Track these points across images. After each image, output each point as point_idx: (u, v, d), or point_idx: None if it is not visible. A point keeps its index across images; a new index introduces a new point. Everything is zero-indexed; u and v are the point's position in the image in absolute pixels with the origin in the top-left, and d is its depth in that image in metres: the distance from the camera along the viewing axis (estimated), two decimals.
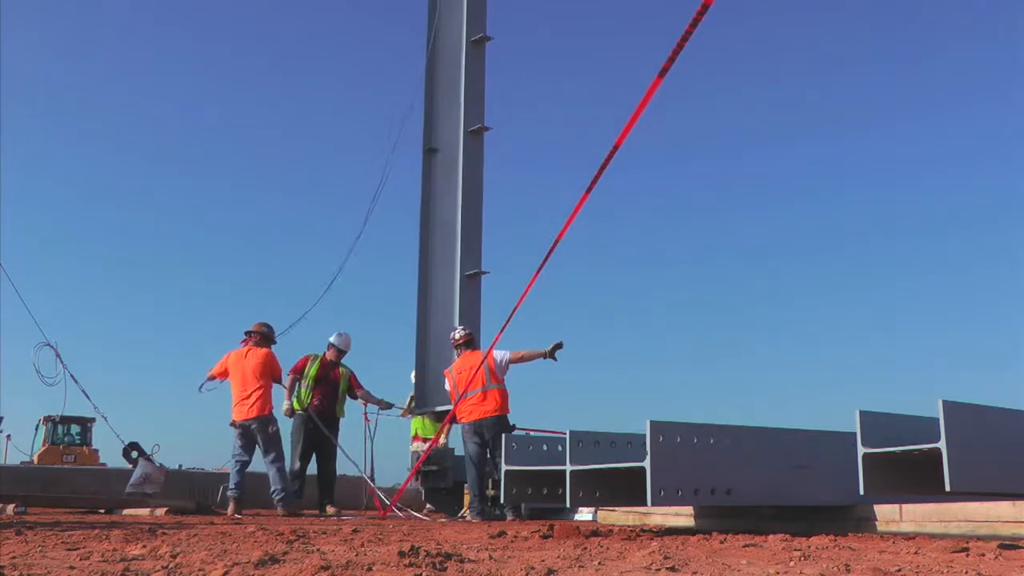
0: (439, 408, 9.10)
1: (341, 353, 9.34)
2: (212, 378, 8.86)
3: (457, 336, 8.41)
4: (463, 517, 8.17)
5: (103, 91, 43.46)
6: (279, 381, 8.80)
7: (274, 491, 8.34)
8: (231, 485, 8.46)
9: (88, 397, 10.40)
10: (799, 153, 40.59)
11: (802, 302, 40.78)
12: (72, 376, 10.28)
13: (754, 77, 41.43)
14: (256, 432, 8.41)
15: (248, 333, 8.81)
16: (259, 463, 8.59)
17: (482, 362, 7.86)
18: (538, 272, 6.48)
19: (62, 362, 10.29)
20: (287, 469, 8.62)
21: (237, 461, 8.49)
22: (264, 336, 8.80)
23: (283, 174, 41.67)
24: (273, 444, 8.45)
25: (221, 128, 44.86)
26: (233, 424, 8.52)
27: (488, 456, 8.03)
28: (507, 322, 6.83)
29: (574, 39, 40.74)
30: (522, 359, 8.18)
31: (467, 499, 8.63)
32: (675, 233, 42.81)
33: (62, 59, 42.93)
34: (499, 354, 8.08)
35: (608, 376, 32.56)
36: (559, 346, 8.12)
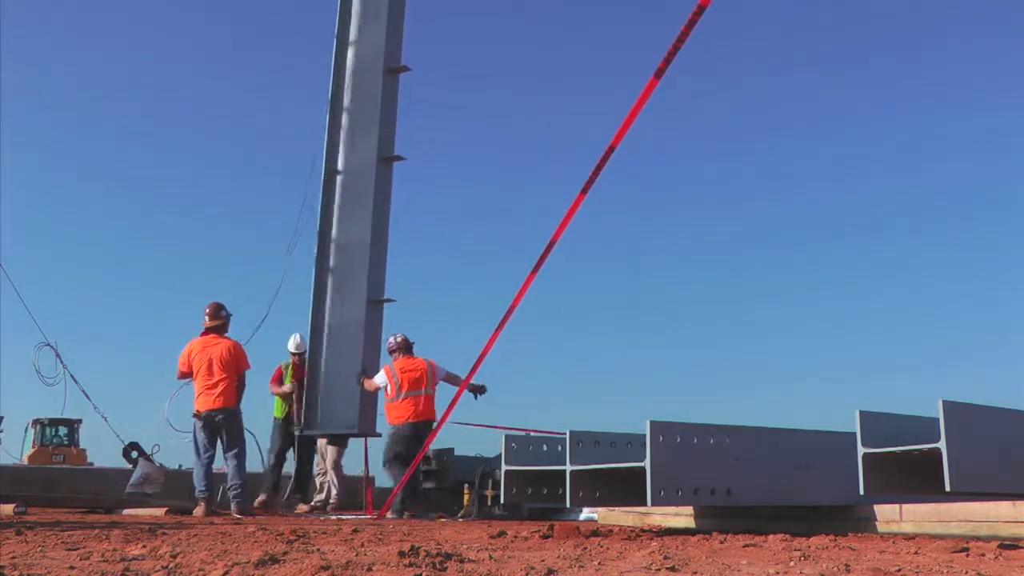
0: (344, 431, 9.23)
1: (303, 356, 9.48)
2: (184, 377, 8.50)
3: (395, 342, 8.76)
4: (464, 517, 8.17)
5: (102, 90, 43.45)
6: (243, 376, 8.59)
7: (232, 487, 8.09)
8: (201, 486, 8.08)
9: (88, 397, 10.41)
10: (797, 149, 40.53)
11: (802, 301, 40.73)
12: (72, 376, 10.28)
13: (753, 69, 41.36)
14: (222, 424, 8.15)
15: (209, 329, 8.51)
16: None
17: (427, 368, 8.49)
18: (533, 274, 6.47)
19: (62, 362, 10.30)
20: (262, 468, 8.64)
21: (206, 457, 8.18)
22: (224, 324, 8.55)
23: (284, 172, 41.59)
24: (238, 438, 8.24)
25: (222, 127, 44.85)
26: (197, 415, 8.20)
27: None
28: (502, 325, 6.82)
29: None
30: (450, 380, 8.68)
31: (467, 499, 8.64)
32: (674, 232, 42.80)
33: (60, 58, 42.91)
34: (440, 366, 8.69)
35: (608, 376, 32.56)
36: (482, 390, 8.75)
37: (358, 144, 9.70)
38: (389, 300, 9.40)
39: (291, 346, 9.49)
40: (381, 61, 9.67)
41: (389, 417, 8.51)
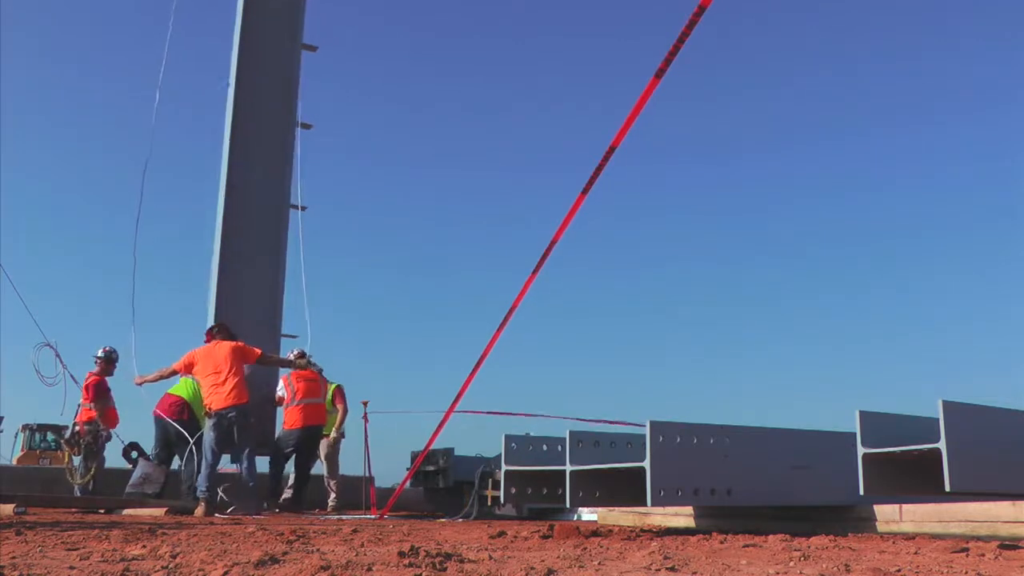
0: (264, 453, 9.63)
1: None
2: (172, 374, 8.73)
3: (295, 353, 9.66)
4: (464, 517, 8.17)
5: (103, 89, 43.44)
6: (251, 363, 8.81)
7: (249, 485, 8.20)
8: (203, 486, 8.06)
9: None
10: (799, 154, 40.62)
11: (802, 302, 40.83)
12: (72, 376, 10.27)
13: (755, 78, 41.45)
14: (234, 421, 8.17)
15: (211, 330, 8.79)
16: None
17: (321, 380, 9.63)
18: (533, 276, 6.47)
19: (62, 362, 10.29)
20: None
21: (213, 457, 8.18)
22: (227, 329, 8.75)
23: None
24: (250, 436, 8.26)
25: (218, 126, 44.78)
26: (208, 413, 8.24)
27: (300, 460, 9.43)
28: (503, 325, 6.81)
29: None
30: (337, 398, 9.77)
31: (467, 499, 8.64)
32: (675, 233, 42.84)
33: (60, 60, 42.93)
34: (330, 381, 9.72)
35: (608, 376, 32.57)
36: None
37: (259, 188, 10.30)
38: (291, 335, 10.15)
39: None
40: (296, 118, 10.56)
41: (285, 422, 9.35)
